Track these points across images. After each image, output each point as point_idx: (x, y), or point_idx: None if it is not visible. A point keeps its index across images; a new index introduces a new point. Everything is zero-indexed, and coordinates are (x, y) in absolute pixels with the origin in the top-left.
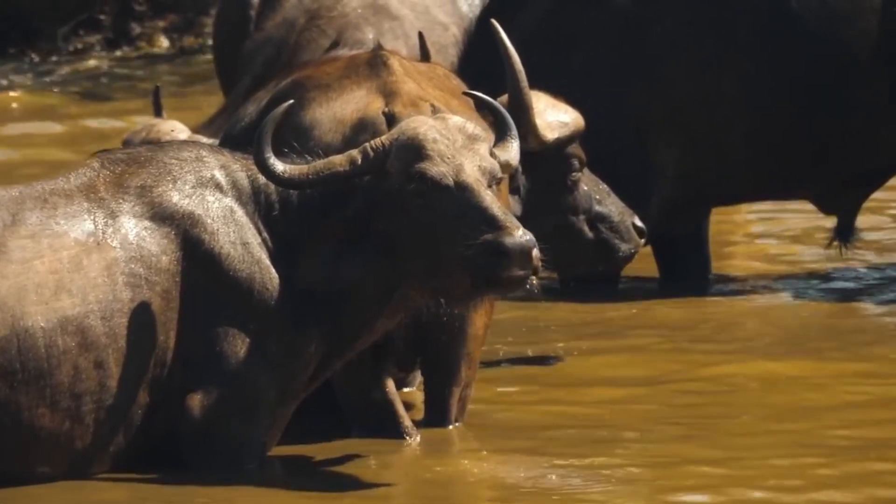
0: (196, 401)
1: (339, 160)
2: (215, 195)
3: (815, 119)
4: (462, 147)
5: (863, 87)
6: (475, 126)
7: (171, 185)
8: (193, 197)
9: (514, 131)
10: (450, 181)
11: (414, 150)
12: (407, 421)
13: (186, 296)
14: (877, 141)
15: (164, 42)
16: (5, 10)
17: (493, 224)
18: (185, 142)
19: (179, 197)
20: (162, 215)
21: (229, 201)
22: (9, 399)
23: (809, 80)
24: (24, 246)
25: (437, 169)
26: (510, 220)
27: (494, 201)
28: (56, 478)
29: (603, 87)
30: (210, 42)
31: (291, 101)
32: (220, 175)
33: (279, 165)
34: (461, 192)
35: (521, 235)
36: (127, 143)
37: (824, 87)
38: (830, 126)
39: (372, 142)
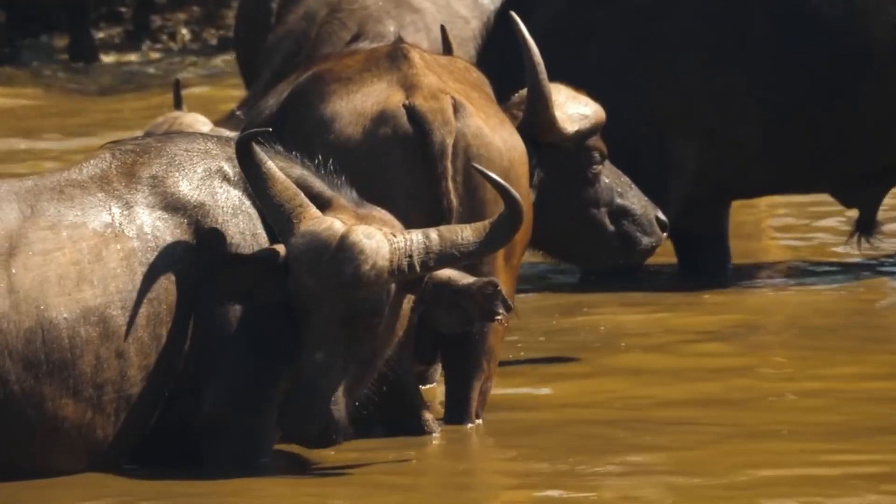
0: (209, 393)
1: (286, 195)
2: (223, 186)
3: (833, 113)
4: (334, 290)
5: (881, 80)
6: (372, 266)
7: (181, 176)
8: (203, 188)
9: (510, 229)
10: (304, 318)
11: (296, 264)
12: (427, 415)
13: (199, 287)
14: None
15: (185, 35)
16: (27, 6)
17: (296, 390)
18: (193, 133)
19: (190, 188)
20: (174, 206)
21: (238, 193)
22: (33, 390)
23: (827, 73)
24: (44, 237)
25: (302, 301)
26: (307, 398)
27: (318, 369)
28: (75, 469)
29: (619, 82)
30: (231, 35)
31: (269, 129)
32: (227, 167)
33: (264, 162)
34: (307, 335)
35: (294, 421)
36: (148, 136)
37: (842, 80)
38: (848, 120)
39: (297, 211)
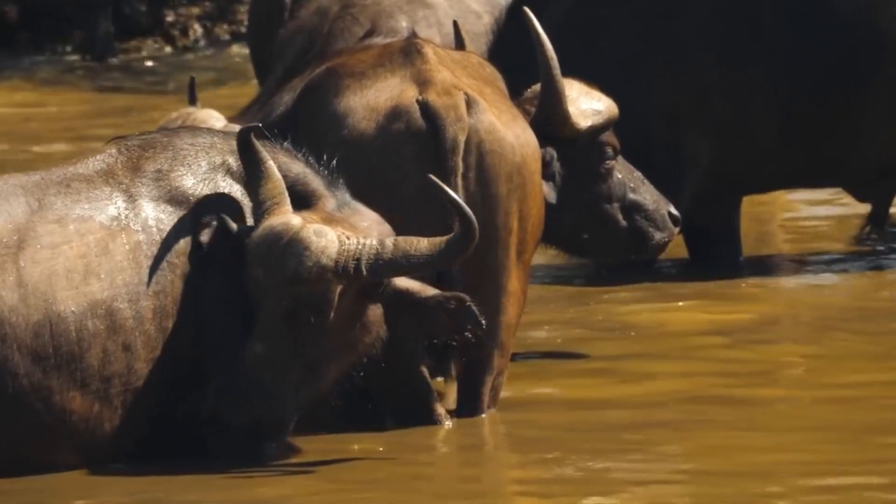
0: (213, 385)
1: (272, 192)
2: (227, 180)
3: (846, 107)
4: (279, 283)
5: (893, 73)
6: (315, 263)
7: (185, 170)
8: (206, 182)
9: (462, 246)
10: (257, 302)
11: (251, 255)
12: (440, 409)
13: (203, 279)
14: None
15: (197, 30)
16: (40, 3)
17: (231, 379)
18: (199, 128)
19: (194, 181)
20: (178, 199)
21: (240, 187)
22: (42, 383)
23: (839, 67)
24: (52, 231)
25: (254, 292)
26: (238, 388)
27: (256, 360)
28: (81, 462)
29: (632, 76)
30: (243, 30)
31: (258, 124)
32: (231, 161)
33: (264, 161)
34: (255, 325)
35: (221, 410)
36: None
37: (854, 74)
38: (861, 114)
39: (272, 209)
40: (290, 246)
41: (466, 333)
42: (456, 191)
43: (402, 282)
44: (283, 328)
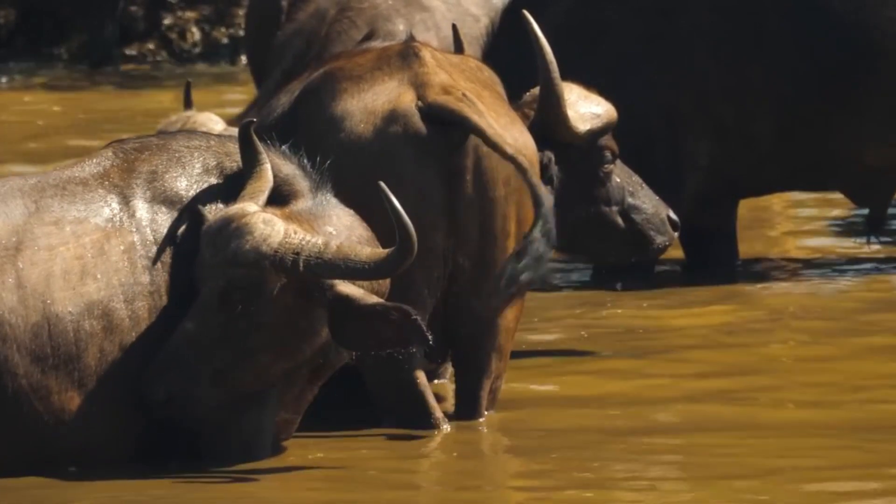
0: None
1: (252, 186)
2: (220, 182)
3: (845, 109)
4: (220, 264)
5: (893, 75)
6: (253, 248)
7: (179, 171)
8: (200, 183)
9: (399, 260)
10: (198, 284)
11: (202, 239)
12: (438, 412)
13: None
14: None
15: (195, 34)
16: (38, 4)
17: (159, 354)
18: (195, 131)
19: (188, 183)
20: (172, 200)
21: (234, 188)
22: (40, 383)
23: (839, 69)
24: (49, 233)
25: (198, 275)
26: (160, 361)
27: (184, 336)
28: (81, 463)
29: (632, 78)
30: (241, 34)
31: (254, 119)
32: (226, 163)
33: (262, 162)
34: (192, 305)
35: (141, 382)
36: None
37: (854, 76)
38: (861, 116)
39: (245, 195)
40: (236, 229)
41: (412, 349)
42: (514, 158)
43: (346, 287)
44: (216, 310)
